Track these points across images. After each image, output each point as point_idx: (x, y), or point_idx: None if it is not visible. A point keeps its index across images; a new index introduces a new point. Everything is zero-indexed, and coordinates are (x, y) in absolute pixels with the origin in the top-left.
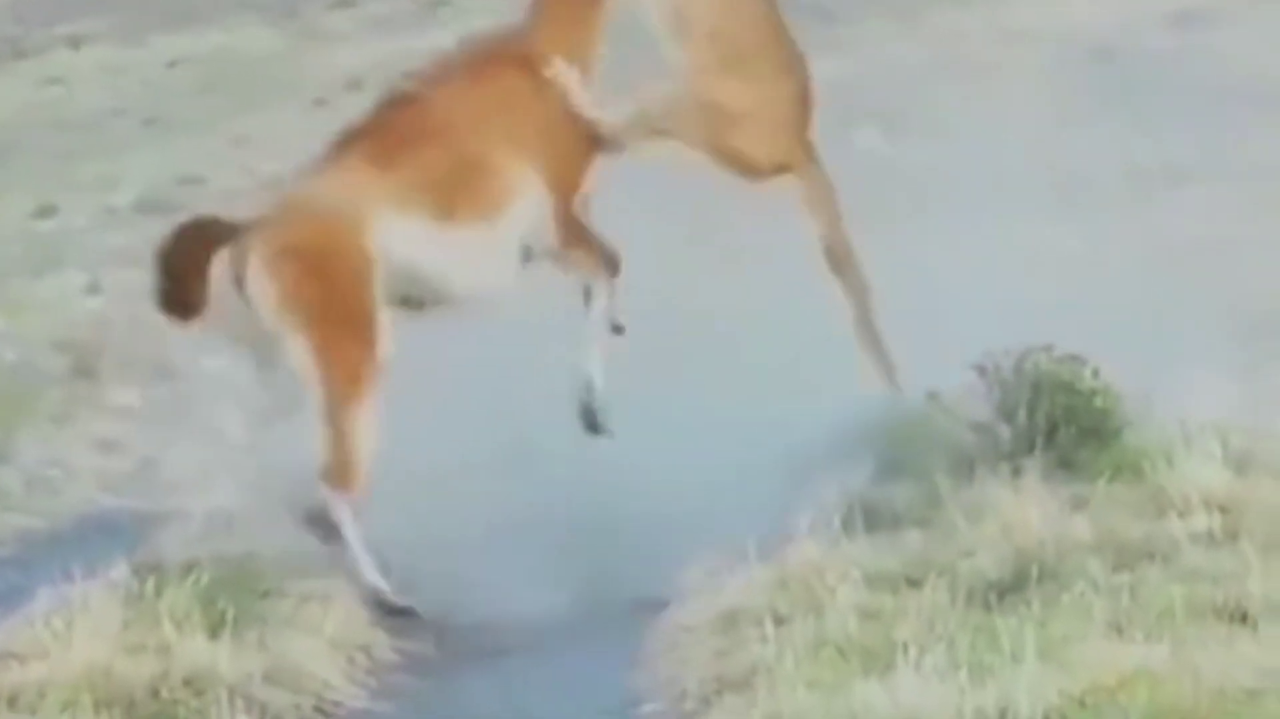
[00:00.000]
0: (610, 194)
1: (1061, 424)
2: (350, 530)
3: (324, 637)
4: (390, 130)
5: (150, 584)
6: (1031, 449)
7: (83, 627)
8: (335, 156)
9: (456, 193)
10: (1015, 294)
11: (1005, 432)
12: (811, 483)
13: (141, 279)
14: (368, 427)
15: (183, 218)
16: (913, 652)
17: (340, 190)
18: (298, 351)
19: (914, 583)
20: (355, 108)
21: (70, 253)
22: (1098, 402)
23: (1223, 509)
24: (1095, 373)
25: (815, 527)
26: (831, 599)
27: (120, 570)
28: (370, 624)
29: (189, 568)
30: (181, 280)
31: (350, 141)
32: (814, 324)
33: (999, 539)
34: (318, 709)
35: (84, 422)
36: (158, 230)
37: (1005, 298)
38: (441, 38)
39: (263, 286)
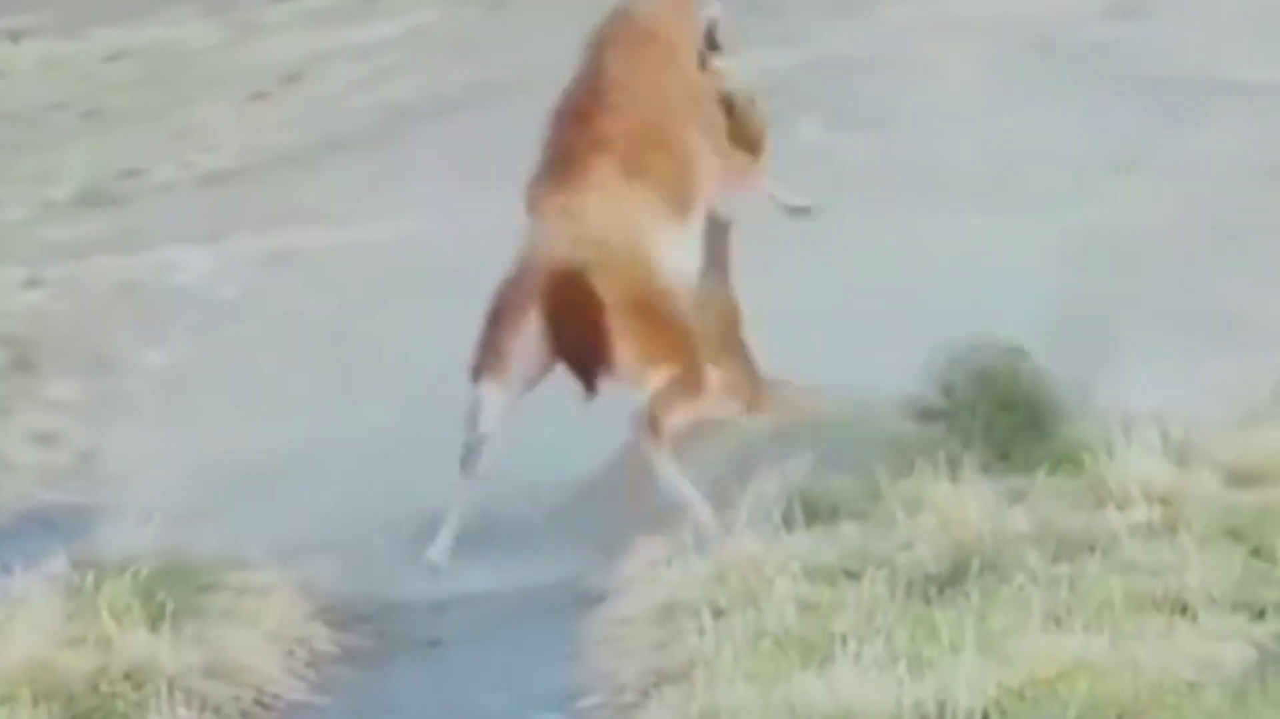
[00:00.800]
0: None
1: (1000, 415)
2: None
3: (263, 630)
4: (613, 134)
5: (90, 578)
6: (970, 441)
7: (22, 620)
8: (583, 168)
9: (682, 188)
10: (955, 285)
11: (944, 423)
12: (751, 475)
13: (81, 272)
14: None
15: (125, 210)
16: (851, 644)
17: (620, 215)
18: (657, 379)
19: (852, 575)
20: (294, 101)
21: (9, 246)
22: (1037, 393)
23: (1162, 501)
24: (1034, 364)
25: (754, 519)
26: (770, 592)
27: (59, 564)
28: (309, 617)
29: (128, 561)
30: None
31: (584, 155)
32: (754, 315)
33: (938, 531)
34: (257, 702)
35: (22, 415)
36: (97, 223)
37: (944, 289)
38: (381, 30)
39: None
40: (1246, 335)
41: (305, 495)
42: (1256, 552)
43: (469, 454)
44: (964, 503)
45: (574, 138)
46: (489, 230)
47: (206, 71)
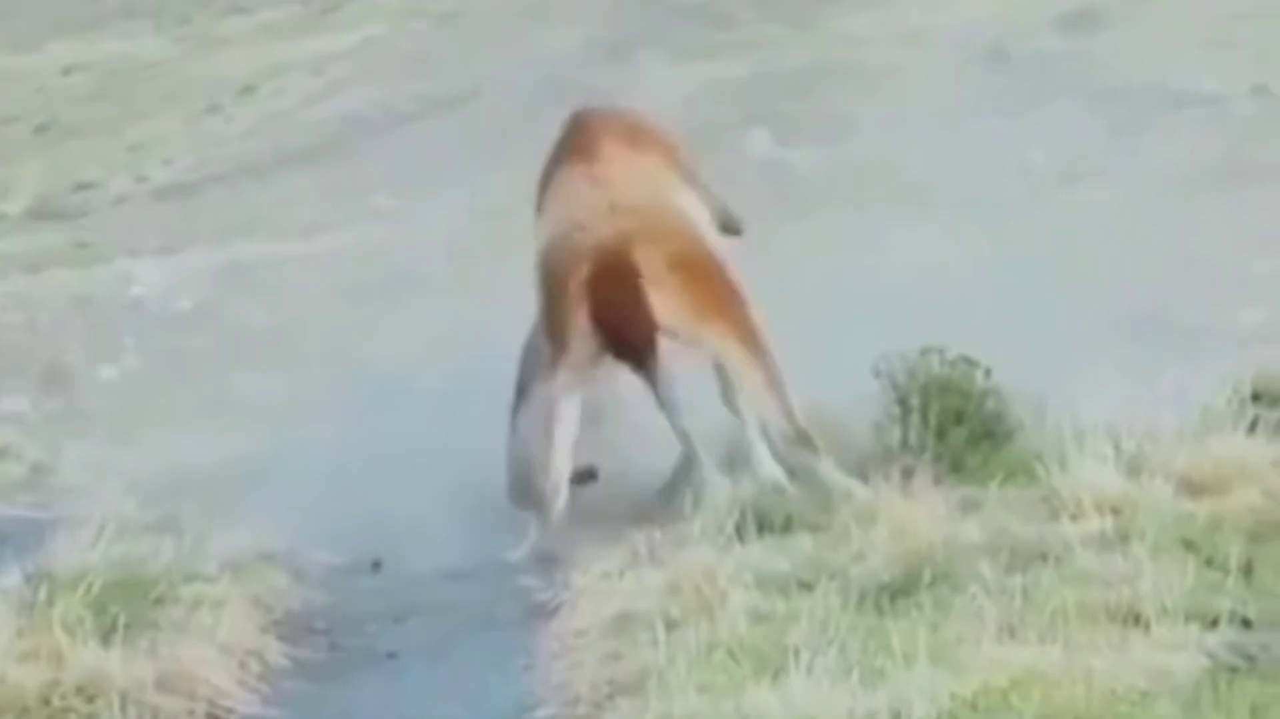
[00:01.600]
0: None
1: (953, 426)
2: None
3: (215, 643)
4: (607, 127)
5: (42, 592)
6: (923, 452)
7: None
8: (593, 145)
9: (679, 159)
10: (908, 296)
11: (897, 434)
12: (704, 489)
13: (35, 285)
14: None
15: (79, 224)
16: (804, 655)
17: (642, 177)
18: (723, 346)
19: (806, 586)
20: (248, 114)
21: None
22: (989, 404)
23: (1115, 511)
24: (987, 374)
25: (707, 530)
26: (723, 603)
27: (12, 578)
28: (261, 630)
29: (81, 575)
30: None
31: (589, 139)
32: None
33: (891, 542)
34: (210, 715)
35: None
36: (51, 237)
37: (898, 299)
38: (333, 43)
39: (668, 303)
40: (1200, 344)
41: (259, 508)
42: (1209, 561)
43: (545, 501)
44: (917, 514)
45: (573, 139)
46: (442, 240)
47: (160, 85)
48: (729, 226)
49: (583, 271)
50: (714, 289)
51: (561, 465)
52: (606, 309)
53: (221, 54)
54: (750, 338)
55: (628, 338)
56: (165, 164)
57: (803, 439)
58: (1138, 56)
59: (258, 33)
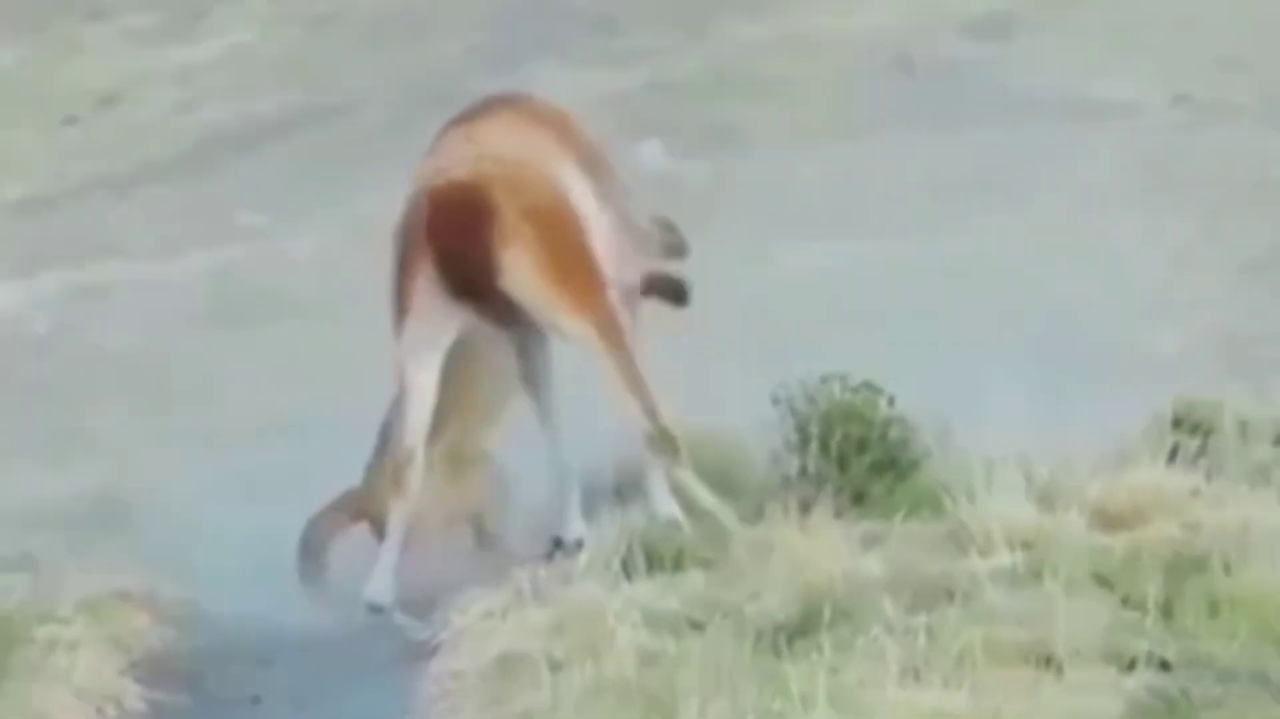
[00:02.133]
0: None
1: (854, 456)
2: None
3: (71, 686)
4: (516, 103)
5: None
6: (823, 483)
7: None
8: (488, 111)
9: (595, 159)
10: (808, 318)
11: (796, 464)
12: (592, 521)
13: None
14: None
15: None
16: (696, 699)
17: (526, 142)
18: (576, 326)
19: (697, 626)
20: (109, 125)
21: None
22: (893, 432)
23: (1026, 545)
24: (891, 402)
25: (594, 566)
26: (610, 643)
27: None
28: (119, 673)
29: None
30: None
31: (491, 106)
32: None
33: (788, 579)
34: None
35: None
36: None
37: (797, 322)
38: (201, 52)
39: (519, 260)
40: (1115, 368)
41: (117, 544)
42: (1126, 600)
43: (399, 474)
44: (816, 549)
45: (467, 110)
46: (313, 260)
47: (15, 95)
48: (671, 248)
49: (427, 210)
50: (573, 256)
51: (416, 431)
52: (451, 249)
53: (80, 62)
54: (609, 324)
55: (474, 283)
56: (19, 179)
57: (665, 439)
58: (1051, 65)
59: (119, 40)
